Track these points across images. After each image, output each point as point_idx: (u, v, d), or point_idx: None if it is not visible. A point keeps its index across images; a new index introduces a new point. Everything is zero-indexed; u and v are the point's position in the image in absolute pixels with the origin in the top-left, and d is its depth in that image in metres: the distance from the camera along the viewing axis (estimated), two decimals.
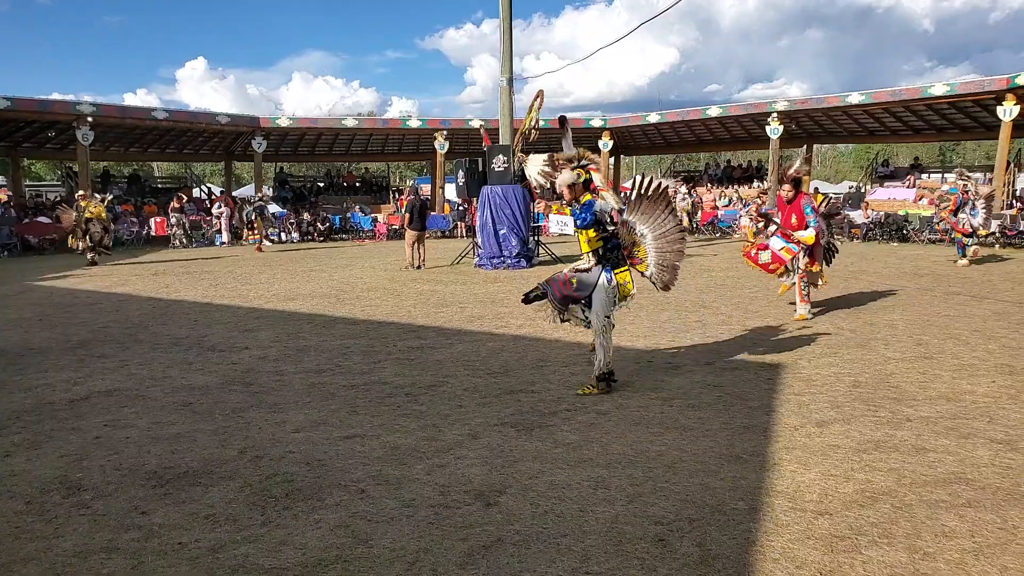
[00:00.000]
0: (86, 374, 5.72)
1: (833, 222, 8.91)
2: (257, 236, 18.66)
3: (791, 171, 8.23)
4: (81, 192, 15.89)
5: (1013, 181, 22.45)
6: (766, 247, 8.05)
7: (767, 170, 25.09)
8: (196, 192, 27.84)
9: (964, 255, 12.87)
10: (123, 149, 25.86)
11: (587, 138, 28.09)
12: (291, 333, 7.31)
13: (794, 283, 8.02)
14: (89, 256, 14.81)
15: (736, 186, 27.54)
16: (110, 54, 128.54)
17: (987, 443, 3.93)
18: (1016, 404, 4.64)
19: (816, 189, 26.23)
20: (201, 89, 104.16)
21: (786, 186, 8.19)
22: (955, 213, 12.94)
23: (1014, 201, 20.81)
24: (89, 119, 19.72)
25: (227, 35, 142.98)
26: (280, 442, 4.08)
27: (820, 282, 8.24)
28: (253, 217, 18.92)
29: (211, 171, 45.37)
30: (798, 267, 7.88)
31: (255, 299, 9.82)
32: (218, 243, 21.22)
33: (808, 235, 7.79)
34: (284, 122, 25.07)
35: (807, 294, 7.96)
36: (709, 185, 28.33)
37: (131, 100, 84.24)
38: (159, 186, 28.58)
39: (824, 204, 8.53)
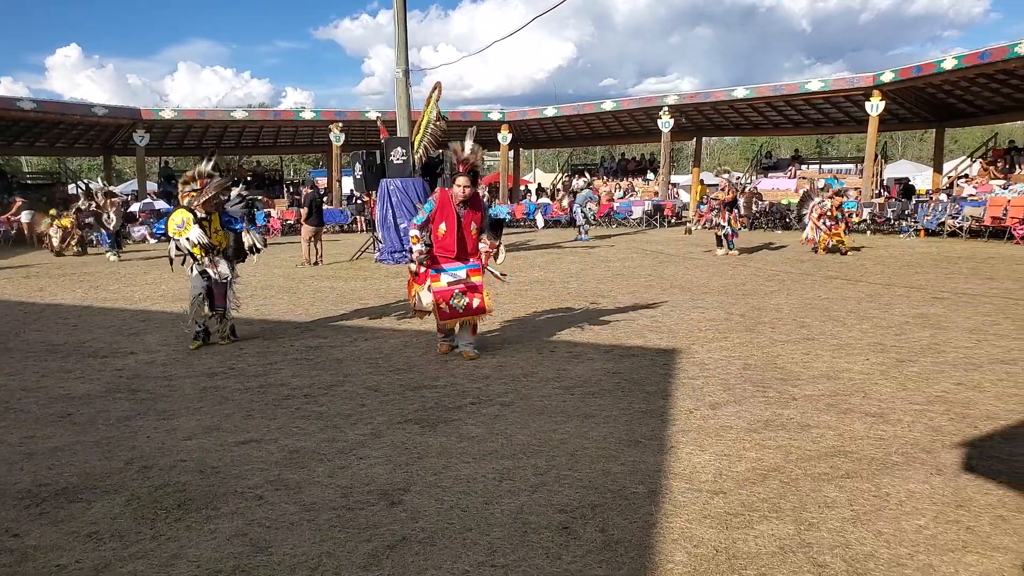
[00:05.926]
0: None
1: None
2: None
3: (466, 155, 5.58)
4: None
5: (880, 172, 24.19)
6: (437, 278, 5.73)
7: (659, 163, 25.94)
8: (72, 188, 26.07)
9: (722, 245, 13.86)
10: None
11: (486, 131, 28.15)
12: (180, 336, 6.95)
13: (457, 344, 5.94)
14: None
15: (630, 179, 28.35)
16: None
17: (862, 417, 4.21)
18: (887, 379, 5.00)
19: (702, 181, 27.47)
20: (76, 78, 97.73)
21: (461, 180, 5.59)
22: (729, 208, 13.80)
23: (881, 191, 22.42)
24: None
25: (103, 21, 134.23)
26: (170, 451, 3.88)
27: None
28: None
29: (88, 166, 42.56)
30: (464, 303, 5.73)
31: (140, 300, 9.29)
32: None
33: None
34: (168, 114, 23.84)
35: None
36: (605, 178, 29.02)
37: None
38: (29, 182, 26.57)
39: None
